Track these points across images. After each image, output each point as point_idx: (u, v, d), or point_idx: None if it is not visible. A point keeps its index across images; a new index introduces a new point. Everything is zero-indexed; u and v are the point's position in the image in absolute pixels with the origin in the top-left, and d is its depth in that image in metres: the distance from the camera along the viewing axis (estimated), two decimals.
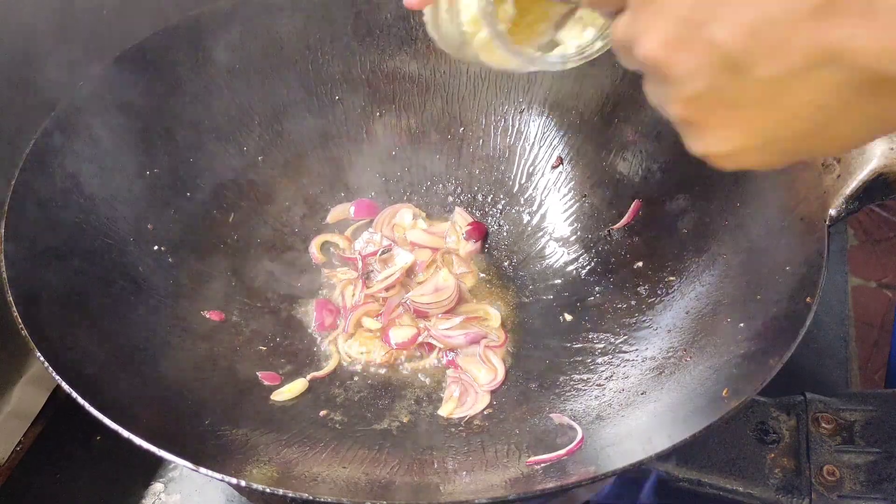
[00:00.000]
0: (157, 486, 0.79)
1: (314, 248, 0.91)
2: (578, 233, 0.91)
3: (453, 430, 0.75)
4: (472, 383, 0.79)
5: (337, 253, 0.91)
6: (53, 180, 0.74)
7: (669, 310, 0.80)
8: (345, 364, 0.81)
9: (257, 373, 0.78)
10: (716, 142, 0.41)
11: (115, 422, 0.58)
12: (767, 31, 0.36)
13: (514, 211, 0.94)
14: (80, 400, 0.59)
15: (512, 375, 0.81)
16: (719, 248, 0.79)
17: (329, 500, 0.55)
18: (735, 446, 0.74)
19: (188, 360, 0.75)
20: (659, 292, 0.82)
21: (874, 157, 0.69)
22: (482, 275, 0.91)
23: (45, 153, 0.74)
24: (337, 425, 0.75)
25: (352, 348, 0.82)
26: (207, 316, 0.81)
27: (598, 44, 0.56)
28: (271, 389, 0.77)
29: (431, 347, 0.83)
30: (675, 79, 0.40)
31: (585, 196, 0.92)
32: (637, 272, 0.85)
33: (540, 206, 0.93)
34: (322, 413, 0.76)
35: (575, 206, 0.92)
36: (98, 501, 0.78)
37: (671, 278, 0.82)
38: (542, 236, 0.92)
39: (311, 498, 0.55)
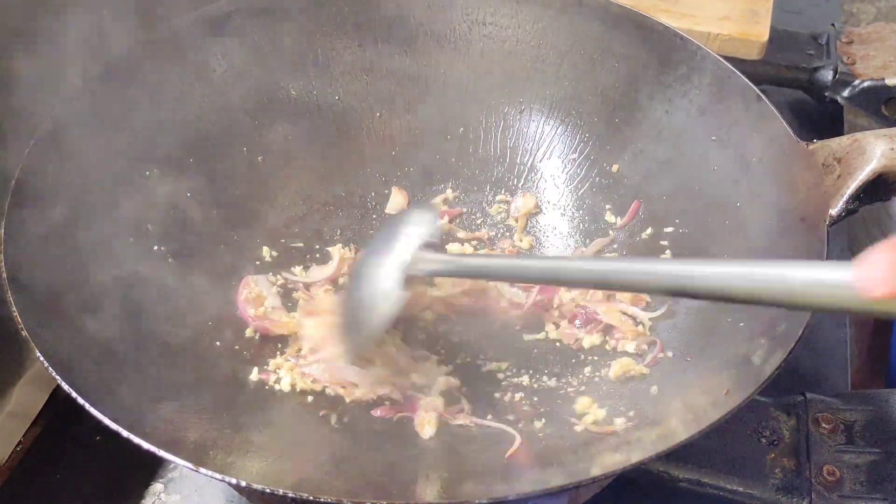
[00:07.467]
0: (157, 486, 0.79)
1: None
2: (579, 233, 0.91)
3: (453, 429, 0.75)
4: None
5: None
6: (53, 181, 0.74)
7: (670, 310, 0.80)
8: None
9: (259, 372, 0.78)
10: None
11: (115, 422, 0.58)
12: None
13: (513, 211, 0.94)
14: (81, 400, 0.59)
15: None
16: (720, 249, 0.79)
17: (329, 500, 0.55)
18: (735, 446, 0.74)
19: (189, 361, 0.75)
20: None
21: (874, 157, 0.69)
22: None
23: (44, 153, 0.74)
24: (337, 425, 0.75)
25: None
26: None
27: None
28: (273, 389, 0.77)
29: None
30: None
31: (586, 196, 0.92)
32: None
33: (540, 205, 0.93)
34: (322, 413, 0.76)
35: (575, 206, 0.92)
36: (98, 501, 0.78)
37: None
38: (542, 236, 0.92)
39: (311, 498, 0.55)
